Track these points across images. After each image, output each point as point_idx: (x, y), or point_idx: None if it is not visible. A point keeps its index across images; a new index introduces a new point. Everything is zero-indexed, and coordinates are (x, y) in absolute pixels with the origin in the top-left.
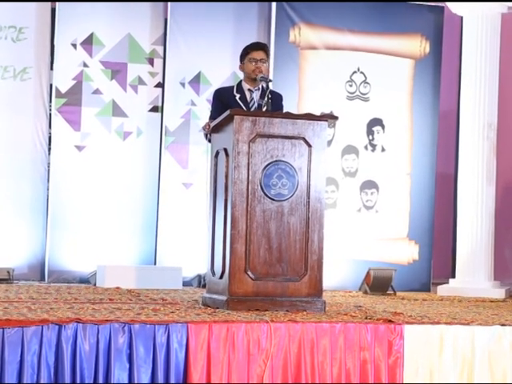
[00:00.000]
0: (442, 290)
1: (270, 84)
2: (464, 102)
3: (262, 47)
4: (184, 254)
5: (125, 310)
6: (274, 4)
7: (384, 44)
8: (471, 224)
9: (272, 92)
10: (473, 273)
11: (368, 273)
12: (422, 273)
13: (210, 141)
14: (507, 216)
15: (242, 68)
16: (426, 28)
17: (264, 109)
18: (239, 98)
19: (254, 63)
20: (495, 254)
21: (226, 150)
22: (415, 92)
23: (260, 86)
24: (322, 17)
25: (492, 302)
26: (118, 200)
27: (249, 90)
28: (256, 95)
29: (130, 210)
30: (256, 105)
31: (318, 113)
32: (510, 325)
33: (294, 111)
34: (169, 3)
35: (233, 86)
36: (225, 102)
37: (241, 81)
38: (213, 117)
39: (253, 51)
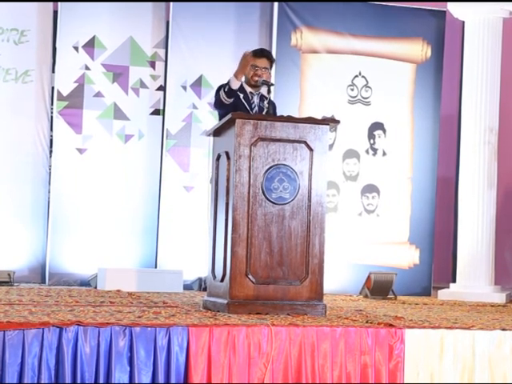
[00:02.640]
0: (443, 294)
1: (272, 88)
2: (465, 106)
3: (266, 55)
4: (185, 257)
5: (125, 313)
6: (275, 8)
7: (385, 48)
8: (472, 228)
9: (268, 99)
10: (473, 277)
11: (369, 277)
12: (423, 277)
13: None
14: (508, 220)
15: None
16: (428, 32)
17: (265, 112)
18: (243, 98)
19: (254, 69)
20: (496, 258)
21: (227, 153)
22: (416, 96)
23: (260, 91)
24: (323, 20)
25: (493, 306)
26: (118, 203)
27: (250, 92)
28: (256, 99)
29: (131, 213)
30: (257, 108)
31: (319, 116)
32: (510, 329)
33: (296, 115)
34: (171, 5)
35: None
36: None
37: (241, 83)
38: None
39: (256, 58)
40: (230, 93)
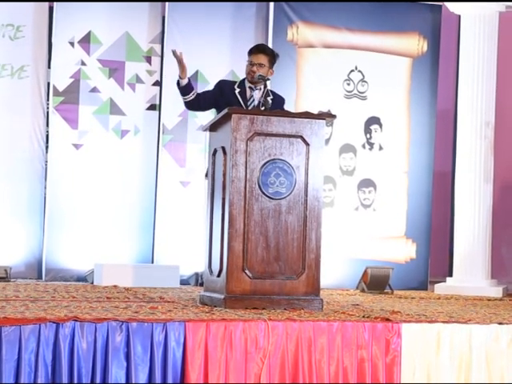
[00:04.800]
0: (440, 288)
1: (268, 83)
2: (461, 100)
3: (261, 50)
4: (181, 252)
5: (122, 309)
6: (271, 3)
7: (382, 42)
8: (468, 222)
9: (275, 94)
10: (470, 271)
11: (365, 271)
12: (420, 271)
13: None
14: (504, 214)
15: None
16: (424, 26)
17: (262, 107)
18: (239, 93)
19: (249, 66)
20: (492, 252)
21: (223, 148)
22: (413, 90)
23: (262, 87)
24: (319, 15)
25: (489, 300)
26: (115, 198)
27: (249, 87)
28: (256, 94)
29: (128, 208)
30: (256, 102)
31: (315, 111)
32: (507, 323)
33: (292, 109)
34: (166, 1)
35: (236, 81)
36: (224, 94)
37: (244, 78)
38: (202, 92)
39: (252, 54)
40: (183, 90)
